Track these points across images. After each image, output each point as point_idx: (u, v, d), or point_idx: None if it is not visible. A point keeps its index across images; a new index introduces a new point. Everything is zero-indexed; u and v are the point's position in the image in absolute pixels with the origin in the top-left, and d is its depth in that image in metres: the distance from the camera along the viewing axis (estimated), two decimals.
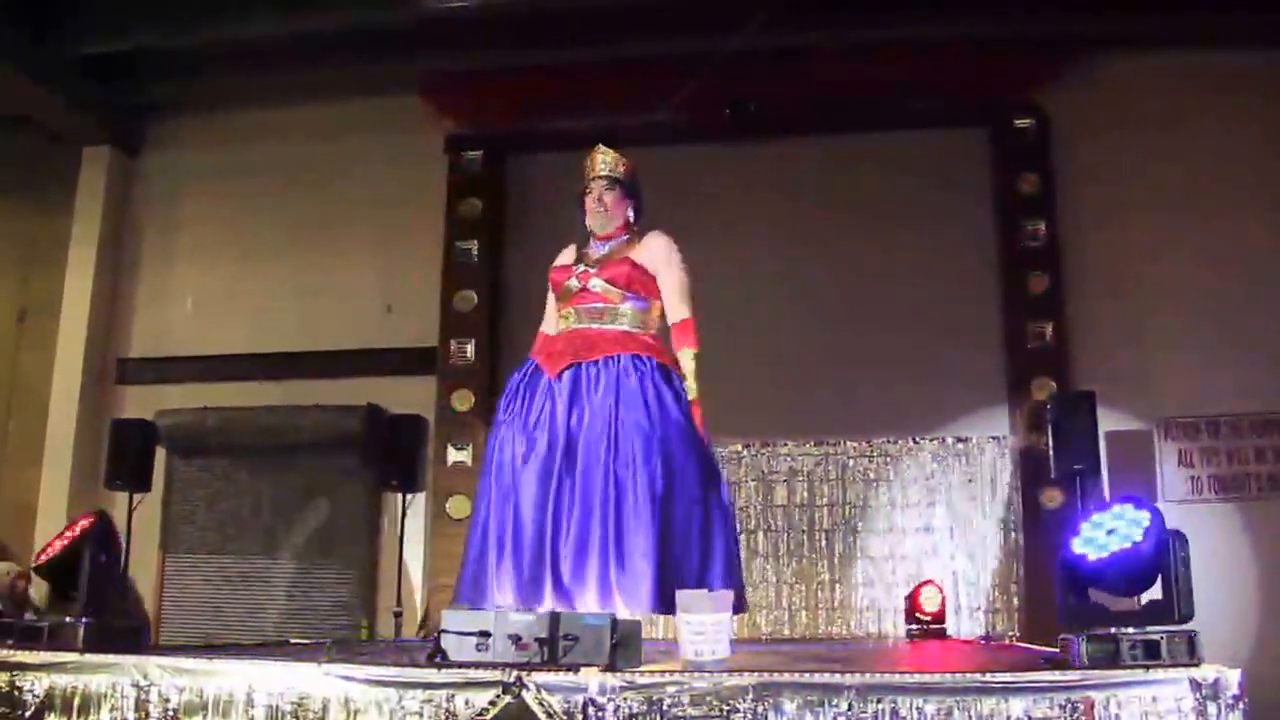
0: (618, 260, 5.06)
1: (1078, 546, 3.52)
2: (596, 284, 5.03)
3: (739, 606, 4.83)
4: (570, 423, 4.77)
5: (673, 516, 4.65)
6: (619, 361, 4.85)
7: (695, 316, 5.03)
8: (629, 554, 4.57)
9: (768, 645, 7.26)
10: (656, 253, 5.10)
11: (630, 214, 5.21)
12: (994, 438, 8.47)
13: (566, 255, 5.28)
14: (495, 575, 4.72)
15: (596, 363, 4.86)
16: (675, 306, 5.04)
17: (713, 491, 4.87)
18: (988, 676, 3.19)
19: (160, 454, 8.87)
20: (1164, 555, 3.41)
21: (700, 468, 4.83)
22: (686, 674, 3.32)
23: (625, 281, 5.00)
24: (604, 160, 5.23)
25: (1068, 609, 3.53)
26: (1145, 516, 3.49)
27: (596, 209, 5.17)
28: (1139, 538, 3.43)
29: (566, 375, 4.88)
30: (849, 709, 3.16)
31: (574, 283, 5.07)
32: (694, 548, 4.70)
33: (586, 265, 5.10)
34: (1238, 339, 8.15)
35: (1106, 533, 3.49)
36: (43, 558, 4.20)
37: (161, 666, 3.61)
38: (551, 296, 5.30)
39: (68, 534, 4.21)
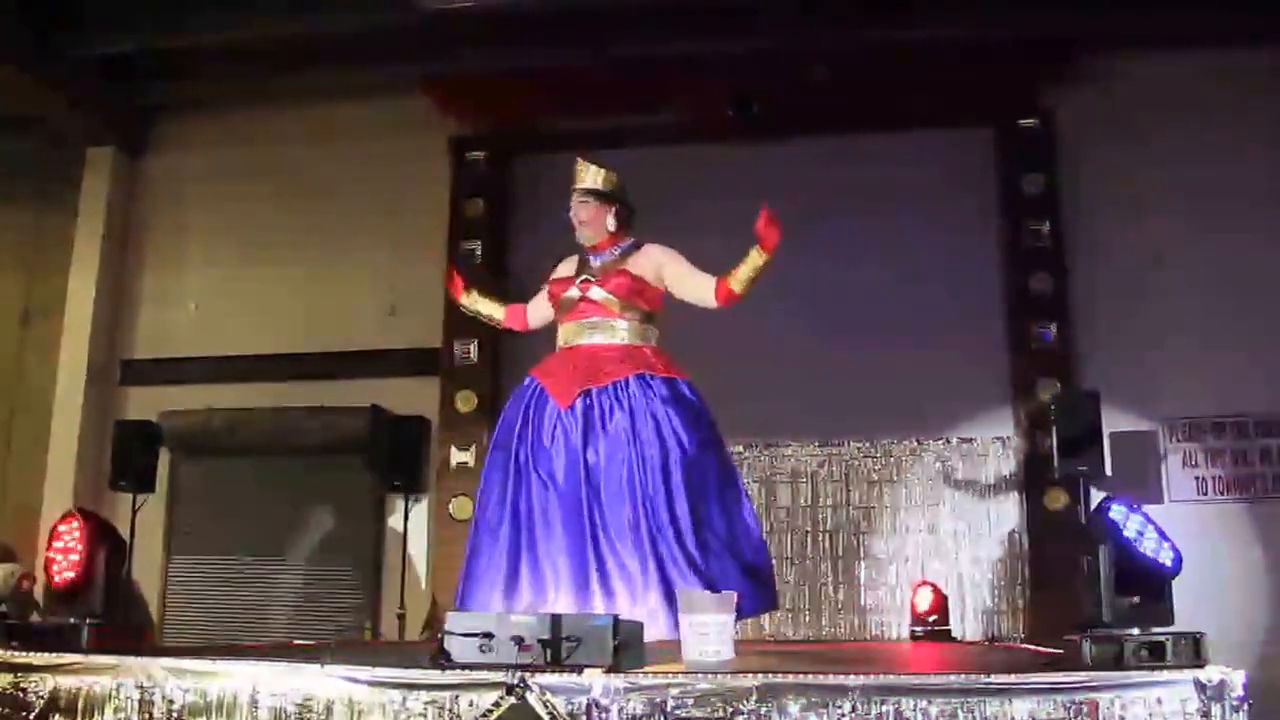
0: (617, 271, 5.04)
1: (1149, 549, 3.50)
2: (598, 293, 5.01)
3: (771, 601, 4.84)
4: (588, 456, 4.75)
5: (706, 532, 4.71)
6: (627, 386, 4.83)
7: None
8: (675, 579, 4.58)
9: (772, 646, 7.26)
10: (655, 258, 5.11)
11: (611, 221, 5.17)
12: (998, 438, 8.47)
13: (566, 268, 5.28)
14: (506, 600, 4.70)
15: (606, 390, 4.83)
16: (700, 281, 5.07)
17: (731, 492, 4.91)
18: (992, 678, 3.19)
19: (164, 455, 8.87)
20: (1177, 560, 3.44)
21: (717, 472, 4.87)
22: (690, 675, 3.32)
23: (626, 292, 4.99)
24: (579, 174, 5.24)
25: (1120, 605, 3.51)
26: (1141, 519, 3.51)
27: (577, 224, 5.18)
28: (1167, 549, 3.45)
29: (579, 404, 4.84)
30: (853, 710, 3.16)
31: (574, 293, 5.05)
32: (729, 557, 4.74)
33: (588, 275, 5.08)
34: (1243, 340, 8.13)
35: (1137, 532, 3.50)
36: (58, 579, 4.16)
37: (165, 668, 3.61)
38: (543, 293, 5.32)
39: (67, 549, 4.17)
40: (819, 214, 8.81)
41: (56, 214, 10.00)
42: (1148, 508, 3.59)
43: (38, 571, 8.33)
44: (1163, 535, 3.47)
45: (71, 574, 4.14)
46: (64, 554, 4.16)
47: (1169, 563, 3.47)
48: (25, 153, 10.20)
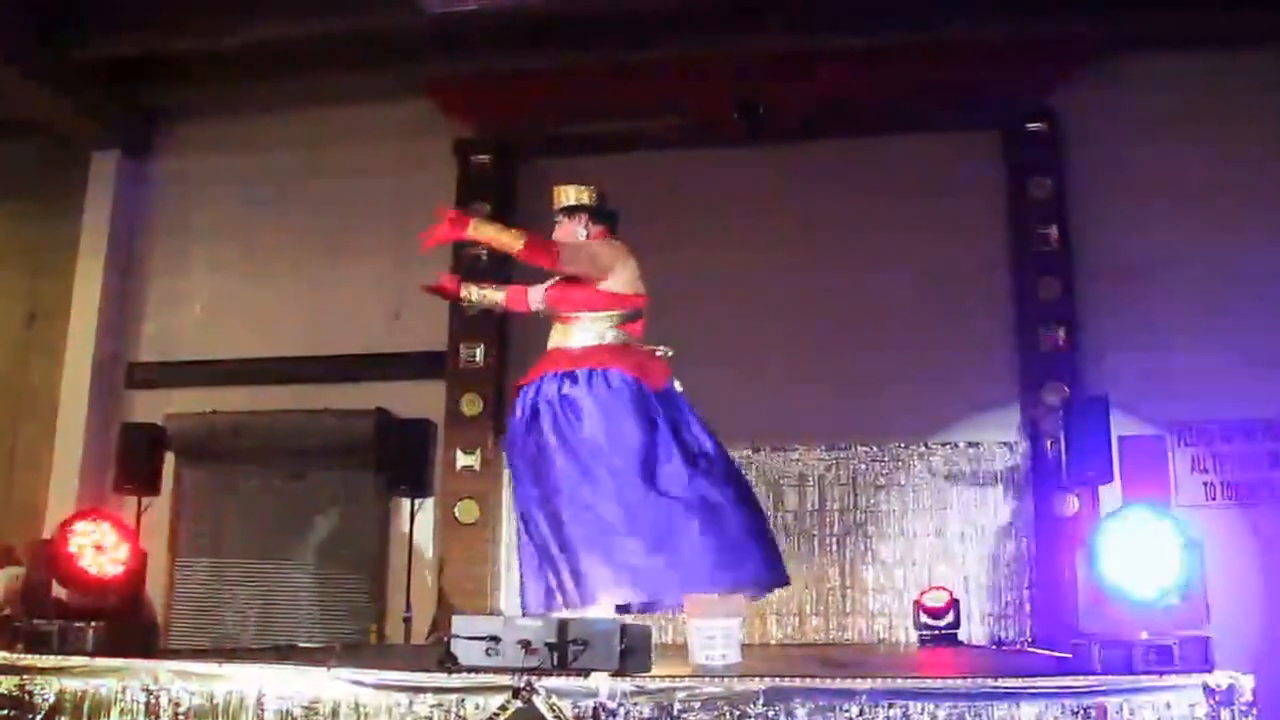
0: (554, 282, 5.17)
1: (1117, 575, 3.50)
2: (544, 312, 5.20)
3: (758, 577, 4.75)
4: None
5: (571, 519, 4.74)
6: (539, 386, 4.97)
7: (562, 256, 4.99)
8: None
9: (778, 650, 7.26)
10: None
11: (581, 231, 5.24)
12: (1005, 443, 8.44)
13: None
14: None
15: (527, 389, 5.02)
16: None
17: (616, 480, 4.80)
18: (1000, 682, 3.18)
19: (169, 458, 8.87)
20: (1185, 564, 3.42)
21: (606, 462, 4.79)
22: (696, 678, 3.32)
23: (553, 302, 5.14)
24: (556, 198, 5.31)
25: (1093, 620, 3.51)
26: (1169, 529, 3.48)
27: None
28: (1179, 561, 3.43)
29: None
30: (860, 714, 3.16)
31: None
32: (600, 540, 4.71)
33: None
34: (1251, 343, 8.10)
35: (1138, 552, 3.49)
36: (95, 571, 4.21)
37: (172, 670, 3.62)
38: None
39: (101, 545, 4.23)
40: (825, 218, 8.82)
41: (62, 217, 9.99)
42: None
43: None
44: (1183, 542, 3.46)
45: (117, 569, 4.19)
46: (96, 550, 4.20)
47: (1155, 590, 3.46)
48: (30, 156, 10.20)
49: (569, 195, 5.28)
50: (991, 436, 8.48)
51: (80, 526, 4.26)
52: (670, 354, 5.16)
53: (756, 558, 4.66)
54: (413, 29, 8.60)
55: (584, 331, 5.01)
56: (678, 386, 5.09)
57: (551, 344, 5.10)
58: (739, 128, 8.72)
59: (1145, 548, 3.48)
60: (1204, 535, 3.58)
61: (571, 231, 5.23)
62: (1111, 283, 8.47)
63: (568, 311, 5.05)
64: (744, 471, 5.31)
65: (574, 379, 4.85)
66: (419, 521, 8.68)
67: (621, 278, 5.03)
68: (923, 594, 7.71)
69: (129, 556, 4.26)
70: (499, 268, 8.98)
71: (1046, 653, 5.43)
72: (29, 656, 3.79)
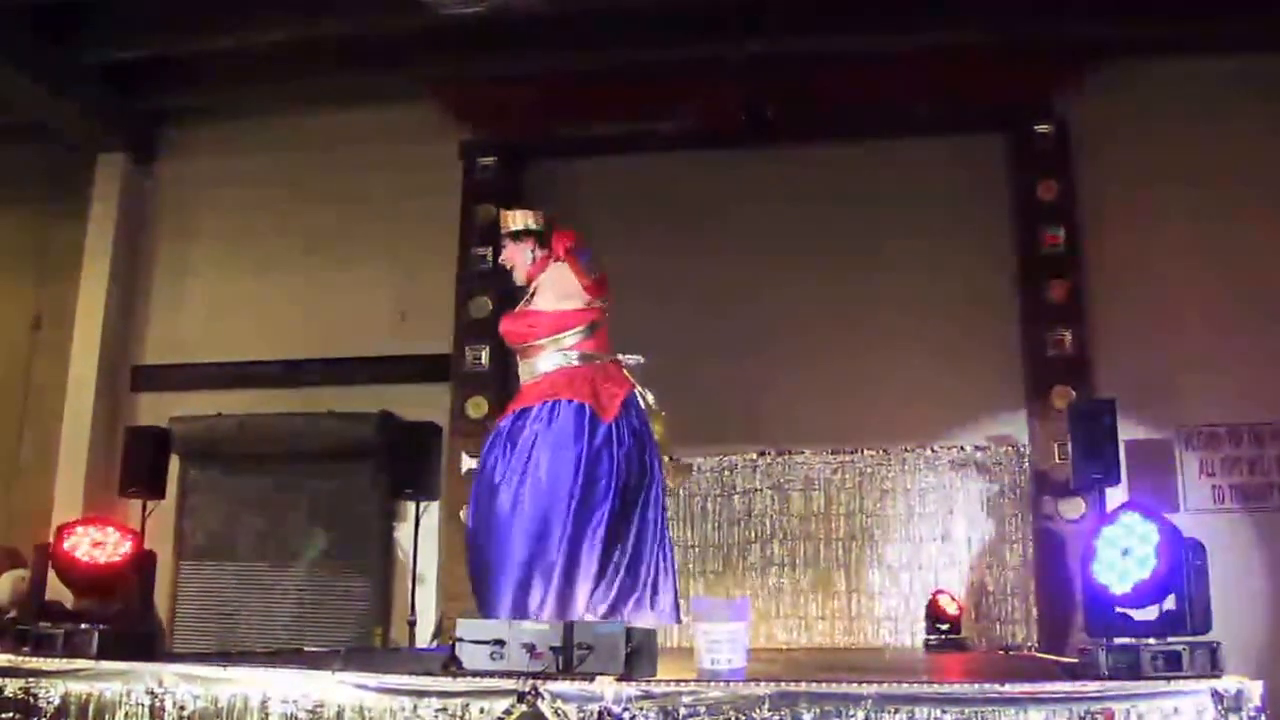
0: (512, 315, 5.22)
1: (1100, 575, 3.49)
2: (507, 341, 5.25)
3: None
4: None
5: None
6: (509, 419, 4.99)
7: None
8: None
9: (784, 654, 7.24)
10: (548, 291, 5.15)
11: (528, 255, 5.24)
12: (1012, 446, 8.42)
13: None
14: None
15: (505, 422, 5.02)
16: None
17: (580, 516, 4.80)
18: (1006, 687, 3.17)
19: (174, 461, 8.88)
20: (1180, 567, 3.40)
21: (567, 495, 4.78)
22: (702, 683, 3.31)
23: (514, 340, 5.16)
24: (503, 222, 5.34)
25: (1092, 629, 3.50)
26: (1154, 529, 3.47)
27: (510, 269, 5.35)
28: (1155, 560, 3.41)
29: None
30: (866, 719, 3.14)
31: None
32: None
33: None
34: (1259, 346, 8.07)
35: (1122, 553, 3.47)
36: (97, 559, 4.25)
37: (176, 673, 3.61)
38: None
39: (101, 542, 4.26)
40: (831, 221, 8.81)
41: (67, 220, 10.01)
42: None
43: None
44: (1174, 544, 3.43)
45: (118, 559, 4.21)
46: (98, 547, 4.21)
47: (1156, 581, 3.44)
48: (36, 160, 10.22)
49: (516, 220, 5.29)
50: (999, 440, 8.46)
51: (79, 530, 4.27)
52: (641, 360, 5.16)
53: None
54: (418, 31, 8.61)
55: (546, 360, 5.03)
56: (649, 398, 5.08)
57: (521, 379, 5.13)
58: (746, 130, 8.72)
59: (1132, 552, 3.47)
60: (1211, 539, 3.56)
61: (518, 256, 5.26)
62: (1118, 285, 8.45)
63: (526, 343, 5.07)
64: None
65: (526, 415, 4.89)
66: (424, 525, 8.67)
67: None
68: (936, 595, 7.69)
69: (131, 550, 4.28)
70: (504, 272, 9.01)
71: (1053, 658, 5.40)
72: (34, 659, 3.80)
